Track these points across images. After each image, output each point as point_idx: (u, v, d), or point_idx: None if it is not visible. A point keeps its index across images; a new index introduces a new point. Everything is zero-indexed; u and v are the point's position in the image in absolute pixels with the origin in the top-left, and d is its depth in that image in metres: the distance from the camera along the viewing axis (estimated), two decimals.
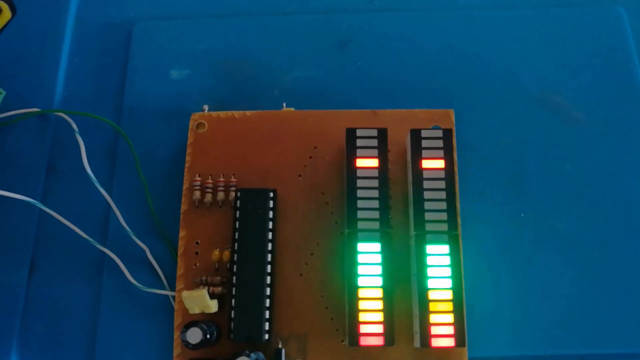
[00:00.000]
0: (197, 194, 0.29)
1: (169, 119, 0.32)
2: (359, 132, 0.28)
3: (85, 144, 0.31)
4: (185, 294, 0.24)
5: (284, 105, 0.31)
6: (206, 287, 0.27)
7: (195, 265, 0.28)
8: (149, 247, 0.30)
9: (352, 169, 0.27)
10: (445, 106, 0.31)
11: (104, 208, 0.31)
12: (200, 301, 0.24)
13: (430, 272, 0.26)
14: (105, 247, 0.30)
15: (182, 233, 0.29)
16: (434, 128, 0.30)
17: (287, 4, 0.35)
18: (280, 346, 0.27)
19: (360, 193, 0.27)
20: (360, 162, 0.27)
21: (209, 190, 0.29)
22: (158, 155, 0.32)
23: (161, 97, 0.33)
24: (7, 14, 0.26)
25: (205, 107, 0.31)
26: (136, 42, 0.34)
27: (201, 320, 0.26)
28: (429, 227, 0.27)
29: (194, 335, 0.24)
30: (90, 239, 0.29)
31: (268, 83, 0.33)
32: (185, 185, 0.29)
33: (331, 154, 0.30)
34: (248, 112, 0.31)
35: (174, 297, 0.28)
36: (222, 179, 0.29)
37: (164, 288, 0.29)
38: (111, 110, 0.33)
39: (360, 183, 0.27)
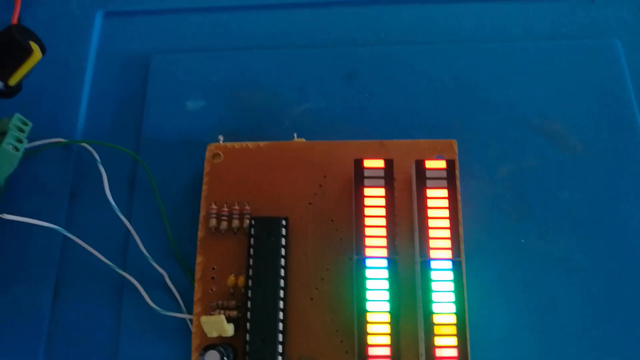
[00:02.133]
0: (214, 221, 0.30)
1: (185, 148, 0.34)
2: (366, 163, 0.30)
3: (106, 173, 0.32)
4: (204, 318, 0.26)
5: (295, 135, 0.33)
6: (223, 312, 0.28)
7: (211, 289, 0.30)
8: (167, 271, 0.31)
9: (360, 198, 0.29)
10: (449, 136, 0.33)
11: (124, 234, 0.32)
12: (218, 326, 0.26)
13: (434, 297, 0.28)
14: (125, 272, 0.31)
15: (199, 259, 0.30)
16: (438, 157, 0.31)
17: (297, 37, 0.37)
18: None
19: (368, 221, 0.29)
20: (368, 192, 0.29)
21: (225, 218, 0.30)
22: (175, 183, 0.33)
23: (177, 127, 0.35)
24: (38, 54, 0.28)
25: (220, 137, 0.32)
26: (153, 75, 0.36)
27: (218, 343, 0.27)
28: (433, 254, 0.28)
29: (212, 358, 0.26)
30: (111, 263, 0.31)
31: (279, 114, 0.35)
32: (202, 213, 0.31)
33: (340, 183, 0.31)
34: (261, 143, 0.32)
35: (191, 320, 0.30)
36: (237, 207, 0.31)
37: (181, 311, 0.31)
38: (130, 140, 0.35)
39: (368, 212, 0.29)
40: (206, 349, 0.26)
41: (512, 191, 0.32)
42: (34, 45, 0.28)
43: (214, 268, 0.30)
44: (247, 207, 0.31)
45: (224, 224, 0.30)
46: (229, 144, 0.32)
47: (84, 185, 0.34)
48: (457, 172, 0.30)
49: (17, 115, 0.32)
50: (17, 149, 0.30)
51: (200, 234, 0.31)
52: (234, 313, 0.29)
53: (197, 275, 0.30)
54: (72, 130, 0.35)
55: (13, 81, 0.28)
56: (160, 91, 0.36)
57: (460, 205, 0.30)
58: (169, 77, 0.36)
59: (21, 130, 0.32)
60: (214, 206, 0.31)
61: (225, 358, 0.26)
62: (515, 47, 0.36)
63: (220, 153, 0.32)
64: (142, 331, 0.31)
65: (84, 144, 0.34)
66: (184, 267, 0.31)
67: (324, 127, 0.34)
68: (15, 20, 0.37)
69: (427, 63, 0.36)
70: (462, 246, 0.29)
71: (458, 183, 0.30)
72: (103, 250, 0.31)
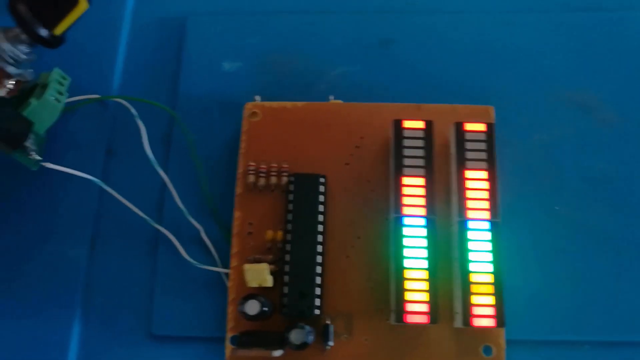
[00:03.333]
0: (251, 178, 0.31)
1: (221, 108, 0.34)
2: (405, 124, 0.30)
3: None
4: (247, 266, 0.26)
5: (331, 97, 0.33)
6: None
7: (248, 244, 0.30)
8: (203, 226, 0.31)
9: (399, 157, 0.29)
10: (482, 102, 0.33)
11: (160, 189, 0.33)
12: (260, 274, 0.26)
13: (472, 256, 0.28)
14: (161, 226, 0.32)
15: (236, 214, 0.30)
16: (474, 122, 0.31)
17: (332, 3, 0.37)
18: (328, 322, 0.29)
19: (406, 181, 0.29)
20: (406, 152, 0.29)
21: (263, 174, 0.31)
22: (210, 142, 0.33)
23: (213, 87, 0.35)
24: (84, 5, 0.28)
25: (257, 97, 0.33)
26: (190, 35, 0.36)
27: (256, 294, 0.28)
28: (470, 215, 0.29)
29: (253, 307, 0.26)
30: (147, 217, 0.31)
31: (315, 77, 0.35)
32: (240, 170, 0.31)
33: (377, 144, 0.32)
34: (299, 103, 0.32)
35: (226, 274, 0.30)
36: (274, 165, 0.31)
37: (216, 265, 0.31)
38: (166, 99, 0.35)
39: (406, 171, 0.29)
40: (246, 298, 0.26)
41: (545, 159, 0.33)
42: None
43: (251, 223, 0.30)
44: (285, 165, 0.31)
45: (262, 181, 0.31)
46: (266, 103, 0.32)
47: (120, 141, 0.34)
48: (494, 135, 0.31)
49: (57, 70, 0.32)
50: (58, 101, 0.31)
51: (238, 190, 0.31)
52: (271, 267, 0.29)
53: (235, 229, 0.30)
54: (108, 87, 0.35)
55: (59, 30, 0.28)
56: (196, 52, 0.36)
57: (496, 170, 0.30)
58: (205, 39, 0.36)
59: (61, 84, 0.32)
60: (252, 163, 0.31)
61: (264, 308, 0.27)
62: (550, 18, 0.36)
63: (258, 111, 0.32)
64: (177, 284, 0.31)
65: (121, 100, 0.34)
66: (219, 223, 0.32)
67: (359, 91, 0.34)
68: None
69: (461, 31, 0.36)
70: (499, 209, 0.29)
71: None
72: (139, 204, 0.31)
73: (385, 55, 0.35)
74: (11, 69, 0.29)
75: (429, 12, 0.36)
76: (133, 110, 0.33)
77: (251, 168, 0.31)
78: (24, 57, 0.29)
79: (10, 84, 0.28)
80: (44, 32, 0.28)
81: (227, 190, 0.32)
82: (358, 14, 0.36)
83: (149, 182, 0.33)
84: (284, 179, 0.31)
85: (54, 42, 0.29)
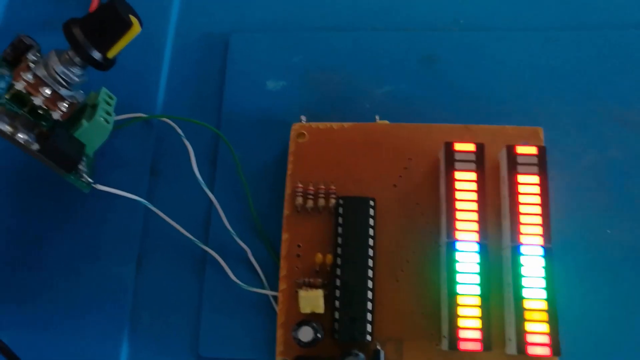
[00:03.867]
0: (299, 199, 0.30)
1: (265, 127, 0.34)
2: (457, 146, 0.29)
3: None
4: (303, 293, 0.26)
5: (377, 117, 0.33)
6: (311, 290, 0.28)
7: (297, 267, 0.30)
8: (250, 248, 0.31)
9: (450, 181, 0.29)
10: (530, 123, 0.32)
11: (206, 209, 0.33)
12: (315, 301, 0.26)
13: (525, 282, 0.28)
14: (208, 247, 0.32)
15: (284, 236, 0.30)
16: (523, 144, 0.31)
17: (376, 20, 0.37)
18: (378, 347, 0.28)
19: (459, 205, 0.29)
20: (458, 175, 0.29)
21: (311, 196, 0.31)
22: (255, 161, 0.34)
23: (258, 105, 0.35)
24: (137, 28, 0.28)
25: (303, 117, 0.33)
26: (233, 53, 0.36)
27: (306, 319, 0.27)
28: (523, 240, 0.28)
29: (307, 334, 0.26)
30: (193, 237, 0.31)
31: (359, 95, 0.35)
32: (288, 191, 0.31)
33: (425, 166, 0.31)
34: (345, 124, 0.32)
35: (275, 296, 0.30)
36: (322, 187, 0.31)
37: (263, 288, 0.31)
38: (210, 117, 0.35)
39: (458, 195, 0.29)
40: (300, 324, 0.26)
41: (596, 181, 0.32)
42: (133, 19, 0.28)
43: (299, 245, 0.30)
44: (333, 187, 0.31)
45: (310, 203, 0.30)
46: (313, 124, 0.32)
47: (165, 160, 0.34)
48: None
49: (104, 90, 0.32)
50: (107, 122, 0.31)
51: (285, 211, 0.31)
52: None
53: (283, 252, 0.30)
54: (152, 105, 0.36)
55: (112, 54, 0.29)
56: (239, 69, 0.36)
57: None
58: (249, 56, 0.36)
59: (108, 104, 0.32)
60: (299, 184, 0.31)
61: (318, 334, 0.26)
62: (598, 36, 0.35)
63: (305, 132, 0.32)
64: (224, 306, 0.31)
65: (166, 119, 0.34)
66: (266, 244, 0.31)
67: (404, 110, 0.34)
68: None
69: (507, 50, 0.35)
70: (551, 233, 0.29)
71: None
72: (185, 224, 0.31)
73: (430, 74, 0.35)
74: (64, 92, 0.29)
75: (475, 29, 0.36)
76: (179, 130, 0.33)
77: (299, 190, 0.31)
78: (77, 79, 0.29)
79: (64, 106, 0.29)
80: (97, 55, 0.28)
81: (272, 210, 0.32)
82: (403, 31, 0.36)
83: (195, 202, 0.33)
84: (332, 201, 0.30)
85: (107, 64, 0.29)
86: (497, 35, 0.36)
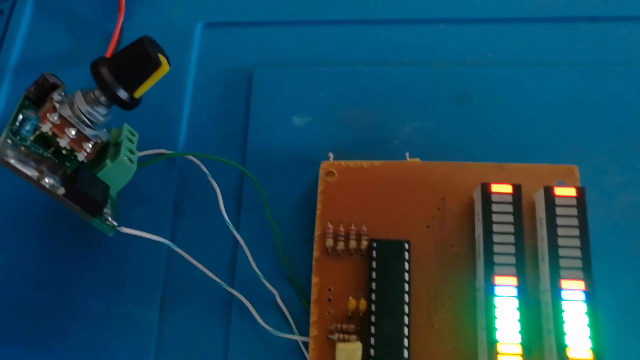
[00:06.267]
0: (330, 241, 0.30)
1: (292, 164, 0.33)
2: (493, 188, 0.29)
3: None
4: (342, 345, 0.25)
5: (407, 155, 0.32)
6: (344, 336, 0.27)
7: (328, 312, 0.29)
8: (278, 291, 0.30)
9: (488, 224, 0.28)
10: (565, 160, 0.31)
11: (232, 250, 0.32)
12: (354, 354, 0.25)
13: (567, 329, 0.27)
14: (234, 289, 0.30)
15: (314, 280, 0.29)
16: (558, 184, 0.30)
17: (404, 55, 0.36)
18: None
19: (497, 249, 0.28)
20: (495, 217, 0.28)
21: (341, 238, 0.30)
22: (282, 200, 0.33)
23: (284, 142, 0.34)
24: (166, 67, 0.27)
25: (331, 155, 0.32)
26: (257, 88, 0.35)
27: None
28: (565, 285, 0.27)
29: None
30: (219, 280, 0.30)
31: (388, 132, 0.34)
32: (317, 233, 0.30)
33: (459, 206, 0.30)
34: (376, 162, 0.31)
35: (305, 343, 0.29)
36: (353, 228, 0.30)
37: (292, 333, 0.30)
38: (234, 154, 0.34)
39: (496, 238, 0.28)
40: None
41: (635, 221, 0.31)
42: (162, 58, 0.27)
43: (330, 289, 0.29)
44: (364, 228, 0.30)
45: (341, 245, 0.30)
46: (342, 162, 0.31)
47: (189, 199, 0.33)
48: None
49: (127, 126, 0.31)
50: (131, 161, 0.30)
51: (315, 253, 0.30)
52: (353, 337, 0.28)
53: (313, 296, 0.29)
54: (175, 142, 0.35)
55: (138, 93, 0.28)
56: (264, 105, 0.35)
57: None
58: (273, 91, 0.35)
59: (131, 142, 0.31)
60: (329, 225, 0.30)
61: None
62: (635, 71, 0.34)
63: (334, 171, 0.31)
64: (251, 351, 0.30)
65: (190, 157, 0.33)
66: (295, 287, 0.30)
67: (434, 147, 0.33)
68: (117, 32, 0.37)
69: (540, 85, 0.35)
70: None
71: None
72: (210, 265, 0.30)
73: (461, 110, 0.34)
74: (88, 132, 0.28)
75: (507, 64, 0.35)
76: (203, 168, 0.33)
77: (329, 231, 0.30)
78: (102, 119, 0.28)
79: (89, 147, 0.28)
80: (124, 95, 0.27)
81: (300, 252, 0.31)
82: (432, 65, 0.35)
83: (220, 243, 0.32)
84: (364, 243, 0.29)
85: (133, 104, 0.28)
86: (531, 71, 0.35)
